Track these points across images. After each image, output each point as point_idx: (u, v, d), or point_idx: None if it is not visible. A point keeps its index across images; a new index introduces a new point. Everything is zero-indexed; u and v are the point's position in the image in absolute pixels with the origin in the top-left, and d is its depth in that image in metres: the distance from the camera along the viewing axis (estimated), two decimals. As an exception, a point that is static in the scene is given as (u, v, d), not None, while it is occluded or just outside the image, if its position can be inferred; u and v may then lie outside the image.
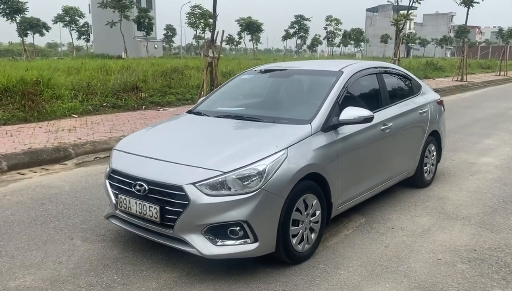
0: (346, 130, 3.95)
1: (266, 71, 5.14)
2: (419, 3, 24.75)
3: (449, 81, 22.61)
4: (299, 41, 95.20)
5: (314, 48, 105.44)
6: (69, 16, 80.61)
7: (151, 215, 3.29)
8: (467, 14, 26.86)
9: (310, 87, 4.61)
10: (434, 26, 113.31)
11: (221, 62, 13.87)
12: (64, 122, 9.17)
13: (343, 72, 4.37)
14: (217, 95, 5.02)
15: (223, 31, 11.10)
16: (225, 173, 3.17)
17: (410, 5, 23.96)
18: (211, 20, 13.18)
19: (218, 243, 3.17)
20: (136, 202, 3.38)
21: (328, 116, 3.85)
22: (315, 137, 3.68)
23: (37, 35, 76.17)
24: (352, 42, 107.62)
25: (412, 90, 5.43)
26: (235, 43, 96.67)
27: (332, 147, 3.77)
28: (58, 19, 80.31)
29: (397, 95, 5.09)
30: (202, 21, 77.64)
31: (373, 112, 4.07)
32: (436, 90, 17.10)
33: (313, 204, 3.60)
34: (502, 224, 4.37)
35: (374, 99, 4.66)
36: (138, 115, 10.35)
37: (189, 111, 4.71)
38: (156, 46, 69.71)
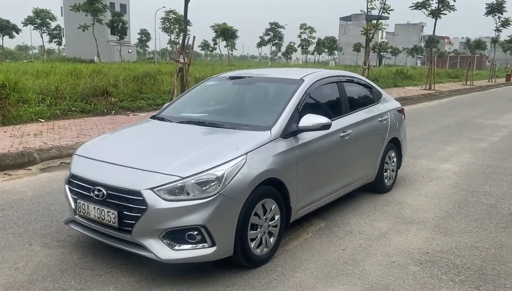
0: (305, 136, 4.06)
1: (231, 78, 5.22)
2: (388, 13, 25.38)
3: (418, 89, 23.22)
4: (274, 48, 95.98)
5: (288, 56, 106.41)
6: (40, 19, 78.73)
7: (109, 220, 3.31)
8: (435, 25, 27.60)
9: (272, 95, 4.71)
10: (406, 35, 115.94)
11: (195, 68, 13.90)
12: (31, 126, 9.02)
13: (304, 80, 4.49)
14: (181, 101, 5.07)
15: (194, 37, 11.20)
16: (184, 178, 3.22)
17: (380, 15, 24.54)
18: (184, 26, 13.16)
19: (176, 247, 3.21)
20: (94, 207, 3.39)
21: (288, 123, 3.96)
22: (275, 143, 3.77)
23: (6, 37, 74.33)
24: (326, 50, 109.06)
25: (372, 98, 5.60)
26: (210, 49, 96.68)
27: (291, 153, 3.87)
28: (29, 21, 78.40)
29: (357, 103, 5.24)
30: (176, 26, 77.28)
31: (333, 120, 4.22)
32: (404, 99, 17.66)
33: (272, 208, 3.68)
34: (455, 228, 4.56)
35: (334, 107, 4.80)
36: (107, 120, 10.26)
37: (153, 117, 4.75)
38: (130, 50, 69.10)
